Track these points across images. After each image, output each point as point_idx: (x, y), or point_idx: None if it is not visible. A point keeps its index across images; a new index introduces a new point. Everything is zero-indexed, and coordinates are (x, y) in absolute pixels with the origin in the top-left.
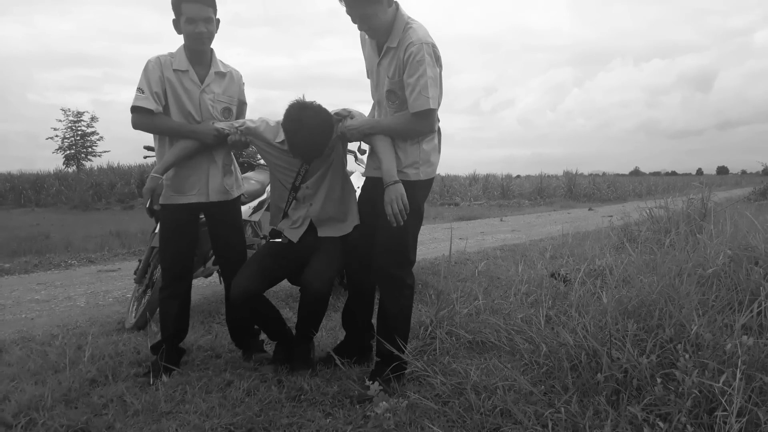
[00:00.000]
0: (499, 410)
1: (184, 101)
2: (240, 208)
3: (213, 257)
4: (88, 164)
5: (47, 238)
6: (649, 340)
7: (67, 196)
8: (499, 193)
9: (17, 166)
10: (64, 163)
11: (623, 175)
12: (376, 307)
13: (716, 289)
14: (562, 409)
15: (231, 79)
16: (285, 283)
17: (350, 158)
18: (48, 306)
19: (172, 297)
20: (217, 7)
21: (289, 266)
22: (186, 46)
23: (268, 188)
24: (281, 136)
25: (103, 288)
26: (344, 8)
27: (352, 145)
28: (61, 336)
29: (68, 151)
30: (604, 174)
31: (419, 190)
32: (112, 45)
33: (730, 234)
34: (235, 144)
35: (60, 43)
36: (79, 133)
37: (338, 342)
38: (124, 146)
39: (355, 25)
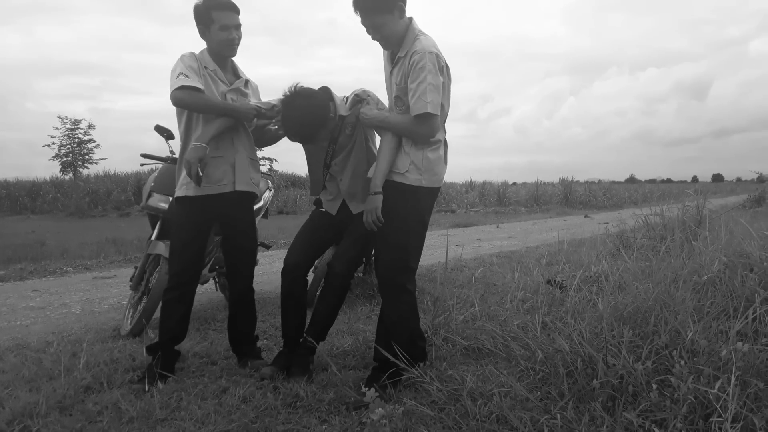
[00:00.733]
0: (495, 417)
1: (213, 95)
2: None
3: (209, 264)
4: (84, 171)
5: (43, 245)
6: (645, 347)
7: (63, 203)
8: (495, 201)
9: (14, 174)
10: (60, 171)
11: (619, 183)
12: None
13: (711, 295)
14: (558, 415)
15: (253, 88)
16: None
17: None
18: (43, 313)
19: (178, 301)
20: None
21: (332, 235)
22: (213, 51)
23: (265, 195)
24: None
25: (99, 295)
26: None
27: None
28: (56, 343)
29: (65, 159)
30: (600, 181)
31: (422, 197)
32: (110, 54)
33: (725, 241)
34: (268, 134)
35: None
36: (76, 140)
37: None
38: (121, 153)
39: (355, 36)
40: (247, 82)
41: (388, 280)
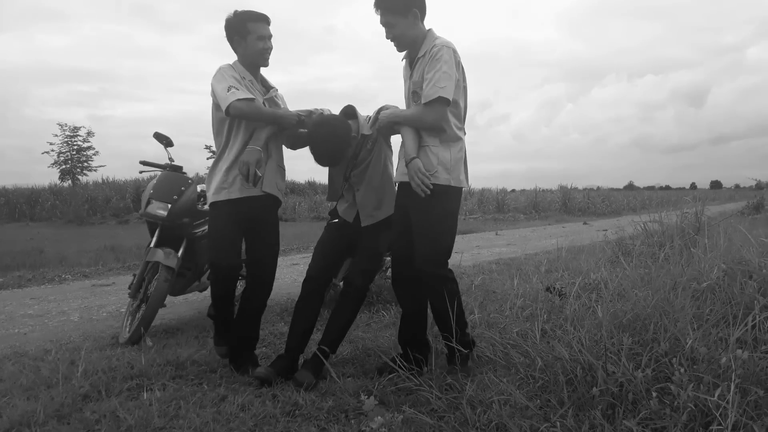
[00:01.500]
0: (494, 425)
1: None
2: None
3: (208, 272)
4: (83, 179)
5: (41, 252)
6: (644, 354)
7: (62, 210)
8: (494, 207)
9: (12, 181)
10: (59, 178)
11: (617, 190)
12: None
13: (711, 302)
14: (558, 423)
15: (281, 97)
16: (279, 297)
17: None
18: (41, 321)
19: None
20: (218, 26)
21: (347, 245)
22: (246, 62)
23: None
24: None
25: (97, 302)
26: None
27: None
28: (54, 351)
29: (64, 166)
30: (598, 188)
31: (452, 196)
32: (109, 61)
33: (724, 248)
34: (302, 139)
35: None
36: (75, 147)
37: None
38: (120, 161)
39: (354, 43)
40: (277, 91)
41: (430, 275)
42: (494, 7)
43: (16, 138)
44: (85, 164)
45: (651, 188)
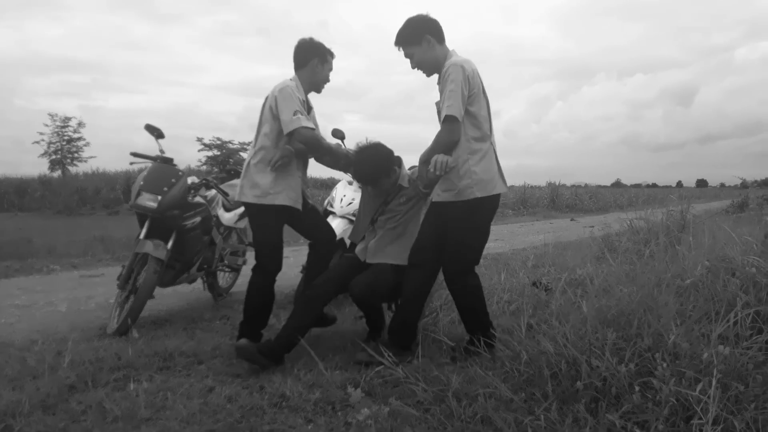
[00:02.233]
0: (479, 417)
1: None
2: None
3: (197, 264)
4: (73, 169)
5: (29, 242)
6: (628, 349)
7: (52, 201)
8: None
9: (1, 171)
10: (49, 168)
11: (605, 187)
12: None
13: (694, 299)
14: (542, 416)
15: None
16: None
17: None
18: (28, 311)
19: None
20: (212, 18)
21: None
22: (308, 84)
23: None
24: None
25: (86, 293)
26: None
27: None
28: (41, 341)
29: (54, 156)
30: (586, 185)
31: (478, 207)
32: (101, 51)
33: (708, 246)
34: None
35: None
36: (66, 138)
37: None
38: (111, 152)
39: (347, 38)
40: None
41: (455, 282)
42: (487, 3)
43: (6, 128)
44: (76, 155)
45: (638, 186)
